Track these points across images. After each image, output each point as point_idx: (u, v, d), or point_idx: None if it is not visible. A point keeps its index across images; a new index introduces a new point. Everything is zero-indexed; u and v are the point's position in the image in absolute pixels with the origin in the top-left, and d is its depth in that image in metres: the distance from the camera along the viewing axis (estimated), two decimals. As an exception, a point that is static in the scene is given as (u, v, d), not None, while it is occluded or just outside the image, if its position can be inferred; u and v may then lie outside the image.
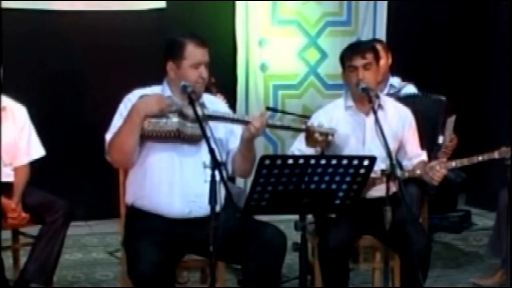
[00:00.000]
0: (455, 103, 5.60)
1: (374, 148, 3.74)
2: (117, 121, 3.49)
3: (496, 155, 3.87)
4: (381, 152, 3.49)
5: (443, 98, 4.68)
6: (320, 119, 3.75)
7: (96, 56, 5.87)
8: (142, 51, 5.75)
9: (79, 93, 6.00)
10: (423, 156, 3.98)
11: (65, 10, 5.77)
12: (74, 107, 5.97)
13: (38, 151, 4.29)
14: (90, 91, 5.99)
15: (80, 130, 5.84)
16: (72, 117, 5.95)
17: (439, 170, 3.75)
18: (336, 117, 3.90)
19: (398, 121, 3.93)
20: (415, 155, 3.96)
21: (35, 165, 4.28)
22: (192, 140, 3.44)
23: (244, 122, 3.44)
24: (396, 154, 3.88)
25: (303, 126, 3.54)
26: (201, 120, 3.22)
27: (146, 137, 3.42)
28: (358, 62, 3.79)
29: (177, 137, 3.42)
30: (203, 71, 3.48)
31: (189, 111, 3.38)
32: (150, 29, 5.79)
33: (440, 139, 4.60)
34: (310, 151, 3.68)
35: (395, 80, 4.89)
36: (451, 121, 4.66)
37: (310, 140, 3.47)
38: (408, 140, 3.95)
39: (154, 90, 3.55)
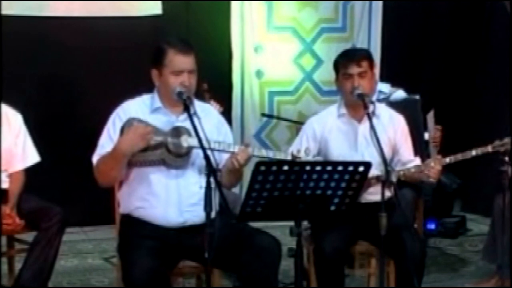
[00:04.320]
0: (452, 101, 5.64)
1: (367, 154, 3.76)
2: (104, 140, 3.44)
3: (489, 148, 3.87)
4: (374, 158, 3.51)
5: (417, 97, 4.75)
6: (315, 127, 3.81)
7: (92, 61, 5.87)
8: (137, 56, 5.74)
9: (75, 99, 5.99)
10: (417, 161, 3.98)
11: (61, 16, 5.77)
12: (70, 113, 5.97)
13: (33, 157, 4.27)
14: (86, 96, 5.98)
15: (76, 135, 5.82)
16: (68, 123, 5.94)
17: (434, 167, 3.76)
18: (329, 124, 3.91)
19: (392, 127, 3.94)
20: (408, 160, 3.95)
21: (30, 171, 4.27)
22: (178, 169, 3.41)
23: (229, 153, 3.37)
24: (390, 162, 3.88)
25: (289, 157, 3.44)
26: (199, 134, 3.16)
27: (132, 165, 3.40)
28: (354, 70, 3.79)
29: (163, 164, 3.39)
30: (185, 79, 3.38)
31: (174, 141, 3.32)
32: (146, 35, 5.78)
33: (426, 136, 4.72)
34: None
35: (384, 86, 4.91)
36: (430, 116, 4.75)
37: None
38: (401, 146, 3.95)
39: (144, 99, 3.51)
